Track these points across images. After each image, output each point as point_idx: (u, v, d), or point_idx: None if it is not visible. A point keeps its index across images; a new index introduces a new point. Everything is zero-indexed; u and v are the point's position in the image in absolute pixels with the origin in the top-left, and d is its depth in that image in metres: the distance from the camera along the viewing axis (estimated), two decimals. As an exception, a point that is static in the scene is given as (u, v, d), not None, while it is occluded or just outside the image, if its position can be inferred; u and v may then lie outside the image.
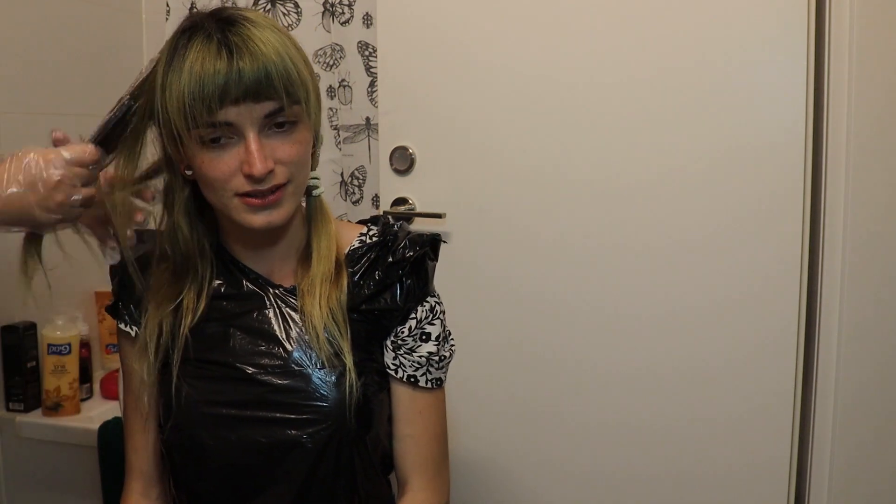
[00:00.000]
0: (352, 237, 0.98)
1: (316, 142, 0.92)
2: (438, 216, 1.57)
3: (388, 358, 0.97)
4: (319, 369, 0.91)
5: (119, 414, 1.40)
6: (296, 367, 0.91)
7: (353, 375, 0.90)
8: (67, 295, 1.69)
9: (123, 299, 0.98)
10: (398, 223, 1.00)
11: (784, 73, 1.35)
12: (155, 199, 0.91)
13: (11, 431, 1.60)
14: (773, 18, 1.35)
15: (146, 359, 0.93)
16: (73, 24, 1.76)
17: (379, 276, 0.95)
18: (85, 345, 1.68)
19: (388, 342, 0.97)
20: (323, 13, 1.79)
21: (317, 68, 1.79)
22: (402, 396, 0.98)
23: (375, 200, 1.80)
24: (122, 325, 0.99)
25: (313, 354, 0.91)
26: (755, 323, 1.41)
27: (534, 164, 1.51)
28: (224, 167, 0.83)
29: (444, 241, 1.02)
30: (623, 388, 1.50)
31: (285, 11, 1.80)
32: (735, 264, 1.41)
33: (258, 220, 0.86)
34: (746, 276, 1.41)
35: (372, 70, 1.76)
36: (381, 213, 1.47)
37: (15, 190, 0.79)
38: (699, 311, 1.44)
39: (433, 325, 0.97)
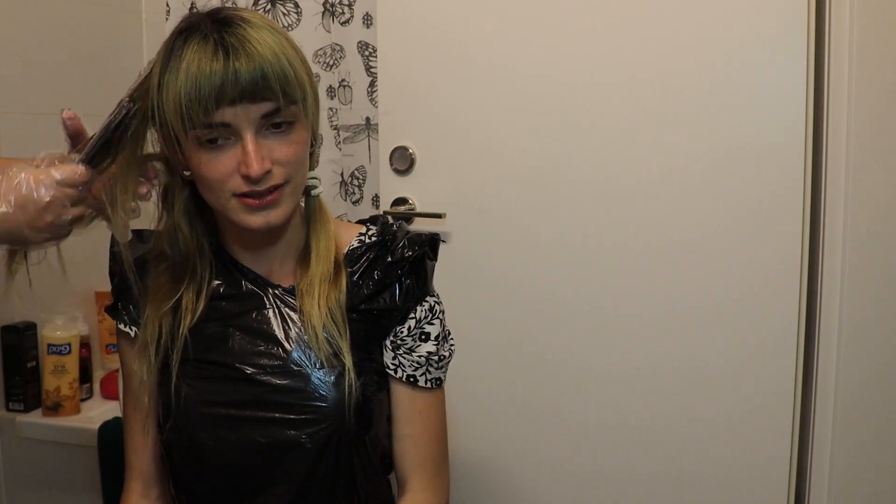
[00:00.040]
0: (351, 237, 0.98)
1: (314, 142, 0.92)
2: (438, 216, 1.57)
3: (388, 358, 0.97)
4: (318, 369, 0.91)
5: (119, 414, 1.40)
6: (295, 368, 0.91)
7: (353, 375, 0.90)
8: (67, 295, 1.69)
9: (123, 300, 0.98)
10: (397, 223, 1.00)
11: (784, 73, 1.35)
12: (158, 177, 0.90)
13: (11, 431, 1.59)
14: (773, 18, 1.35)
15: (146, 359, 0.93)
16: (73, 24, 1.75)
17: (378, 275, 0.95)
18: (85, 345, 1.68)
19: (388, 342, 0.97)
20: (323, 13, 1.79)
21: (317, 68, 1.79)
22: (402, 396, 0.98)
23: (375, 200, 1.80)
24: (121, 326, 0.98)
25: (312, 354, 0.91)
26: (755, 323, 1.41)
27: (534, 164, 1.51)
28: (221, 168, 0.83)
29: (444, 241, 1.02)
30: (623, 388, 1.50)
31: (285, 11, 1.80)
32: (735, 264, 1.41)
33: (256, 220, 0.86)
34: (746, 277, 1.41)
35: (372, 70, 1.76)
36: (381, 213, 1.47)
37: (5, 210, 0.79)
38: (699, 311, 1.44)
39: (432, 324, 0.97)
